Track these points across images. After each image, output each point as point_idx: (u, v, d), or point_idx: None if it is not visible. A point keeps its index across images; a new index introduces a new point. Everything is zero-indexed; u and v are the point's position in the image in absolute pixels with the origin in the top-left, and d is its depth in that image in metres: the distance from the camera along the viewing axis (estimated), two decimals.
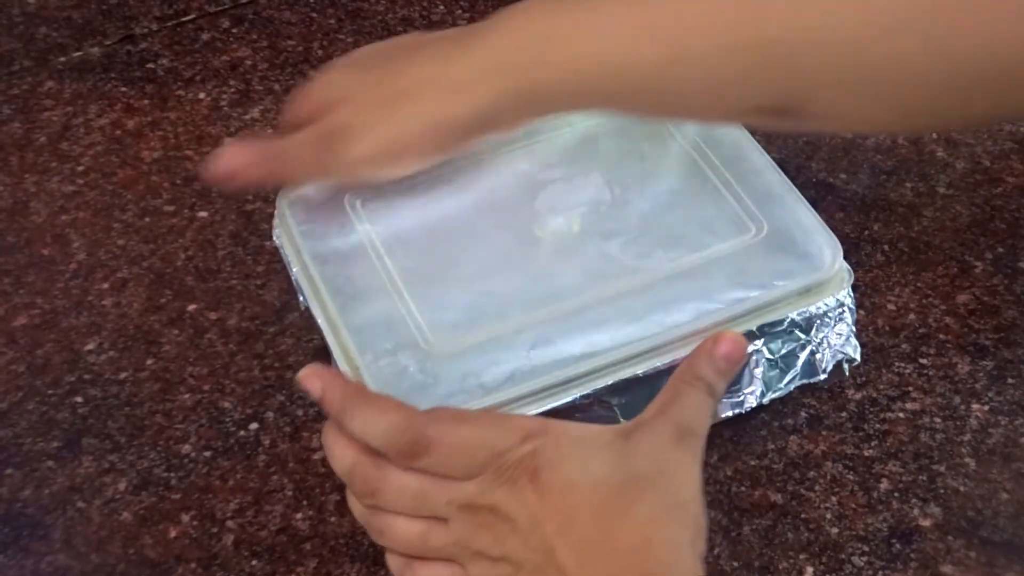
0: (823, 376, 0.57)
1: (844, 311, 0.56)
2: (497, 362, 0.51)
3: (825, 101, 0.44)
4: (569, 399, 0.51)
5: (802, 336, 0.55)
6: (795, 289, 0.55)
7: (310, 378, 0.49)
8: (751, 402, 0.55)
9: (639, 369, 0.52)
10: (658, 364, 0.52)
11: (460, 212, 0.58)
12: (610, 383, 0.52)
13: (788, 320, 0.55)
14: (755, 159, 0.60)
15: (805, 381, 0.56)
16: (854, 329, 0.57)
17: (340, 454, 0.49)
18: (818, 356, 0.56)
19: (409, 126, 0.52)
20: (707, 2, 0.44)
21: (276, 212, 0.60)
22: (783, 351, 0.55)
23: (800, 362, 0.56)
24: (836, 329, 0.56)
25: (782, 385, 0.56)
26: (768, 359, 0.55)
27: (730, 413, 0.55)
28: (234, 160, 0.55)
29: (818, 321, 0.56)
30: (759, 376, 0.55)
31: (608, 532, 0.44)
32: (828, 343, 0.56)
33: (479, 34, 0.51)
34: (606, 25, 0.47)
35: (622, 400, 0.53)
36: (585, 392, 0.52)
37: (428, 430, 0.46)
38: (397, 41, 0.58)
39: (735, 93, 0.45)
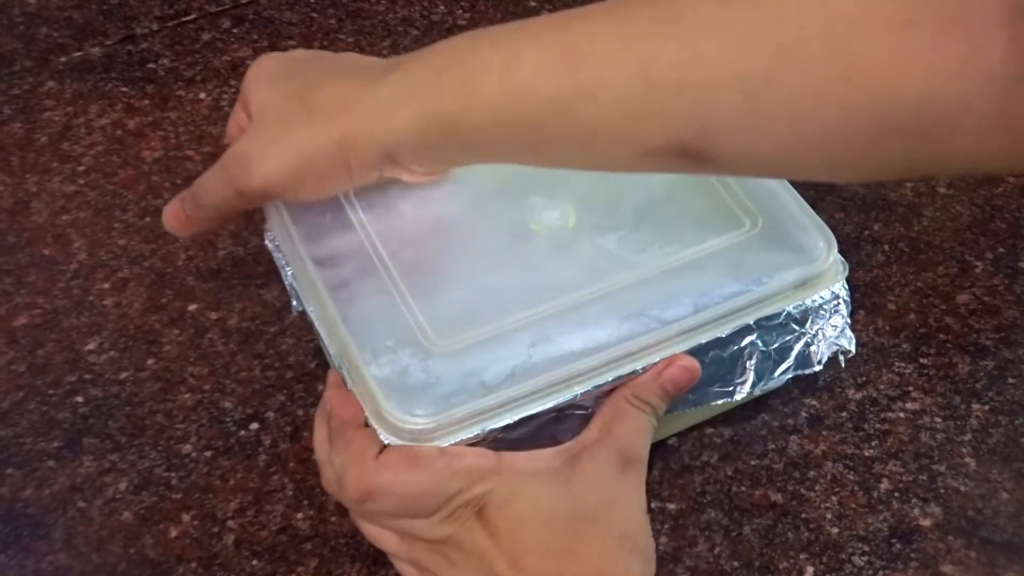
0: (818, 367, 0.57)
1: (839, 303, 0.56)
2: (498, 360, 0.51)
3: (730, 141, 0.43)
4: (570, 396, 0.52)
5: (797, 328, 0.56)
6: (791, 282, 0.55)
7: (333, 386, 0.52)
8: (742, 392, 0.55)
9: (639, 365, 0.52)
10: (657, 360, 0.52)
11: (454, 208, 0.58)
12: (611, 379, 0.52)
13: (784, 313, 0.55)
14: None
15: (800, 372, 0.56)
16: (849, 321, 0.57)
17: (318, 443, 0.51)
18: (813, 348, 0.56)
19: (312, 146, 0.49)
20: (623, 36, 0.43)
21: (267, 215, 0.60)
22: (777, 344, 0.55)
23: (794, 354, 0.56)
24: (831, 321, 0.56)
25: (775, 376, 0.56)
26: (762, 351, 0.55)
27: (719, 403, 0.56)
28: (167, 215, 0.55)
29: (813, 314, 0.56)
30: (751, 368, 0.55)
31: (561, 567, 0.45)
32: (823, 335, 0.56)
33: (403, 60, 0.49)
34: (525, 57, 0.45)
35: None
36: (586, 389, 0.52)
37: (376, 478, 0.47)
38: (331, 56, 0.56)
39: (646, 129, 0.44)
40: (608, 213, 0.58)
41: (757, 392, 0.55)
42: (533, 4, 0.92)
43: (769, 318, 0.54)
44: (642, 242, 0.56)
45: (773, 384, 0.56)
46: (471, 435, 0.50)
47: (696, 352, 0.53)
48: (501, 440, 0.51)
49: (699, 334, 0.53)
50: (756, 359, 0.55)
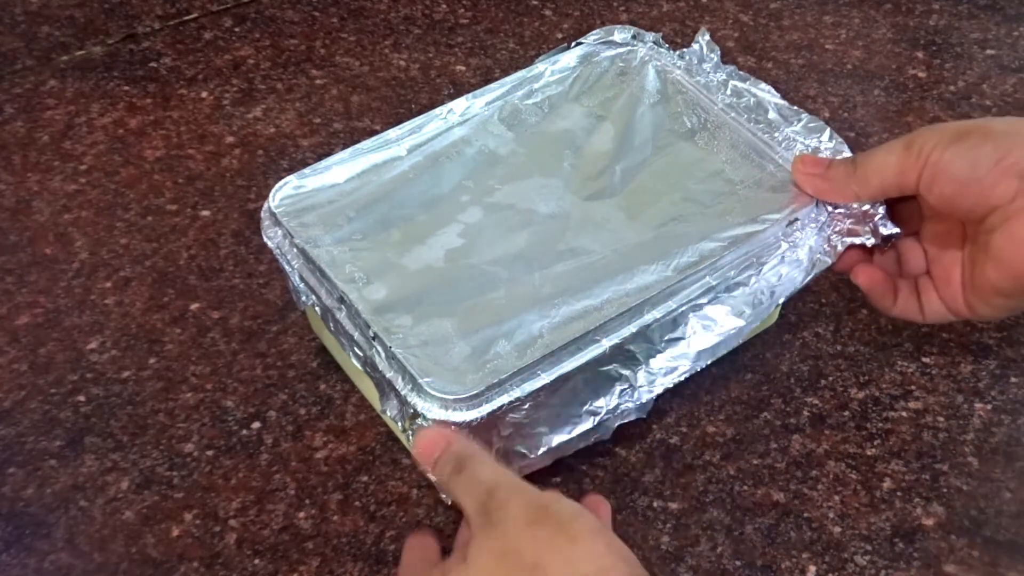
0: (829, 260, 0.59)
1: (822, 211, 0.59)
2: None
3: None
4: (599, 350, 0.53)
5: (799, 257, 0.58)
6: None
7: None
8: (768, 317, 0.58)
9: (658, 312, 0.54)
10: (673, 306, 0.55)
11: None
12: (634, 329, 0.54)
13: (783, 249, 0.58)
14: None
15: (812, 275, 0.58)
16: (828, 232, 0.59)
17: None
18: (818, 255, 0.59)
19: None
20: None
21: (264, 214, 0.60)
22: (785, 271, 0.58)
23: (804, 265, 0.58)
24: (815, 237, 0.59)
25: (785, 295, 0.58)
26: (768, 280, 0.58)
27: (749, 332, 0.58)
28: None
29: (804, 236, 0.59)
30: (765, 295, 0.58)
31: None
32: (810, 248, 0.59)
33: None
34: None
35: (645, 346, 0.56)
36: (613, 341, 0.53)
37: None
38: None
39: None
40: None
41: (775, 307, 0.58)
42: (535, 3, 0.92)
43: (767, 248, 0.57)
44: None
45: (791, 293, 0.58)
46: (511, 398, 0.51)
47: (715, 290, 0.56)
48: (542, 403, 0.52)
49: (708, 276, 0.56)
50: (766, 286, 0.58)
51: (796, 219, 0.58)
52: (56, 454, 0.62)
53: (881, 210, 0.58)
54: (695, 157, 0.62)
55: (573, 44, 0.69)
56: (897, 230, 0.58)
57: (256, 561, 0.57)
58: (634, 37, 0.69)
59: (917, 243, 0.59)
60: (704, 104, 0.65)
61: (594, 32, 0.69)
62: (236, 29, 0.89)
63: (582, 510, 0.44)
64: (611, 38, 0.69)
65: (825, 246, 0.59)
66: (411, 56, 0.87)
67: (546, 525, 0.43)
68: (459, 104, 0.65)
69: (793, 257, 0.58)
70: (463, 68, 0.86)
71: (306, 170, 0.61)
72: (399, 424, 0.53)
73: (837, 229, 0.59)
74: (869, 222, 0.58)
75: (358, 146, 0.63)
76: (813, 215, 0.59)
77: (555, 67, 0.68)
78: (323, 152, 0.78)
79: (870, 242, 0.58)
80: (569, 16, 0.91)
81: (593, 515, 0.44)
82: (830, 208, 0.59)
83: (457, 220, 0.59)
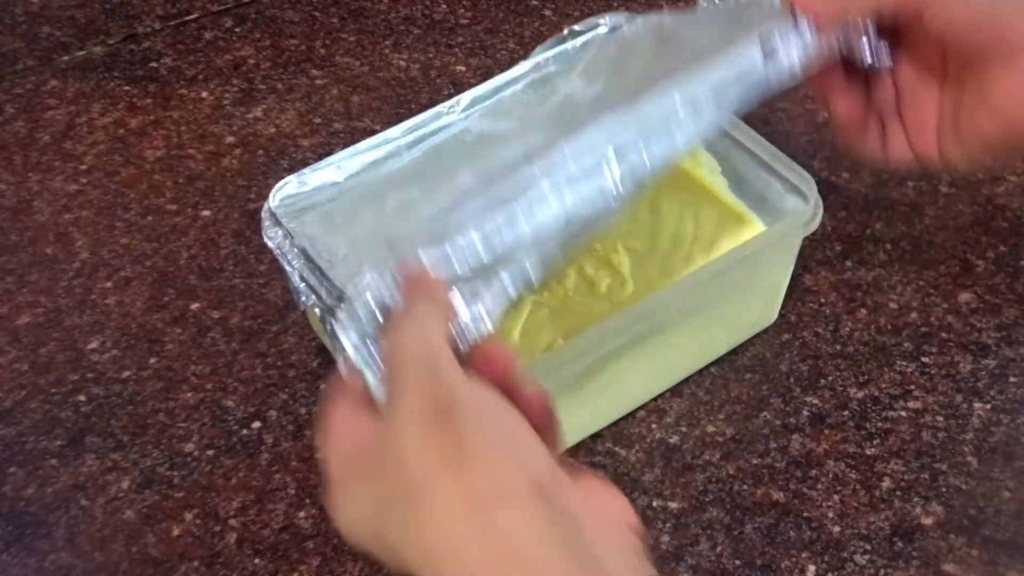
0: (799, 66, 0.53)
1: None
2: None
3: None
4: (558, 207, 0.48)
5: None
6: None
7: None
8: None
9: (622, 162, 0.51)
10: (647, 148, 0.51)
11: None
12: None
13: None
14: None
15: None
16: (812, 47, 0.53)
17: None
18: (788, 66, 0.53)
19: None
20: None
21: (264, 214, 0.60)
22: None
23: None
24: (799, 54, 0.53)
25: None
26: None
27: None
28: None
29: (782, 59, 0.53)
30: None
31: None
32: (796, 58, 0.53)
33: None
34: None
35: None
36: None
37: None
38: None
39: None
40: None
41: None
42: (535, 3, 0.92)
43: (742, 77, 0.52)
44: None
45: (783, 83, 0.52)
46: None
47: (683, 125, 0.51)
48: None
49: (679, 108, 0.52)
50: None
51: (775, 49, 0.52)
52: (57, 453, 0.62)
53: (871, 29, 0.51)
54: (681, 54, 0.57)
55: (568, 32, 0.69)
56: (888, 60, 0.52)
57: (256, 561, 0.57)
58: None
59: (888, 77, 0.53)
60: (689, 18, 0.60)
61: (589, 19, 0.69)
62: (236, 29, 0.89)
63: (491, 411, 0.35)
64: (608, 23, 0.68)
65: (813, 53, 0.52)
66: (411, 56, 0.87)
67: (442, 431, 0.33)
68: (458, 101, 0.65)
69: (778, 72, 0.52)
70: (463, 68, 0.86)
71: (306, 170, 0.61)
72: None
73: (825, 43, 0.52)
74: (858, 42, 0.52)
75: (357, 146, 0.63)
76: (793, 35, 0.52)
77: (553, 55, 0.67)
78: (323, 152, 0.78)
79: (866, 57, 0.51)
80: (569, 16, 0.91)
81: (515, 419, 0.35)
82: (813, 29, 0.52)
83: (464, 213, 0.58)
